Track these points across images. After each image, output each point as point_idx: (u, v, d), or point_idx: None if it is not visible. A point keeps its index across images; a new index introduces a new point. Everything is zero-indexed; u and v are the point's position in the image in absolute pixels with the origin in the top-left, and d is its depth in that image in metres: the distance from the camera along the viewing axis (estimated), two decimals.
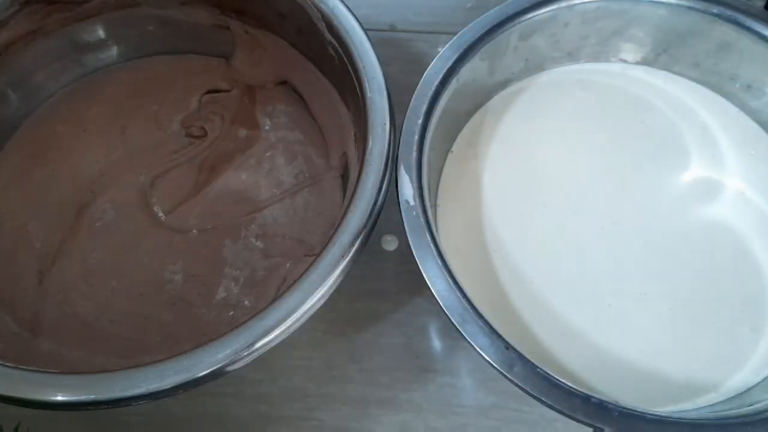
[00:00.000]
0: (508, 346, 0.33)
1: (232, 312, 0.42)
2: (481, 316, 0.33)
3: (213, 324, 0.42)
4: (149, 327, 0.42)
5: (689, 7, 0.43)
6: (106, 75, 0.51)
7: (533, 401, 0.32)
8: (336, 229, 0.35)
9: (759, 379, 0.37)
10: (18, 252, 0.44)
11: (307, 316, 0.34)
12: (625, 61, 0.47)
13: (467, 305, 0.34)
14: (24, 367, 0.33)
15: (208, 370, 0.32)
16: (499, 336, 0.33)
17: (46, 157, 0.48)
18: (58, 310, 0.42)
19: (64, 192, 0.46)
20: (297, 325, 0.33)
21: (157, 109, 0.49)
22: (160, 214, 0.45)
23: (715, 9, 0.42)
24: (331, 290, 0.34)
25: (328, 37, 0.43)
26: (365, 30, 0.41)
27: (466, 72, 0.42)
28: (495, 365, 0.32)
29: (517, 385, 0.32)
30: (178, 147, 0.48)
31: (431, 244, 0.35)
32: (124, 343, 0.41)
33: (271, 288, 0.42)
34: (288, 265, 0.43)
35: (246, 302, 0.42)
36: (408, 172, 0.37)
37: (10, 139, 0.48)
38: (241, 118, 0.49)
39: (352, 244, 0.35)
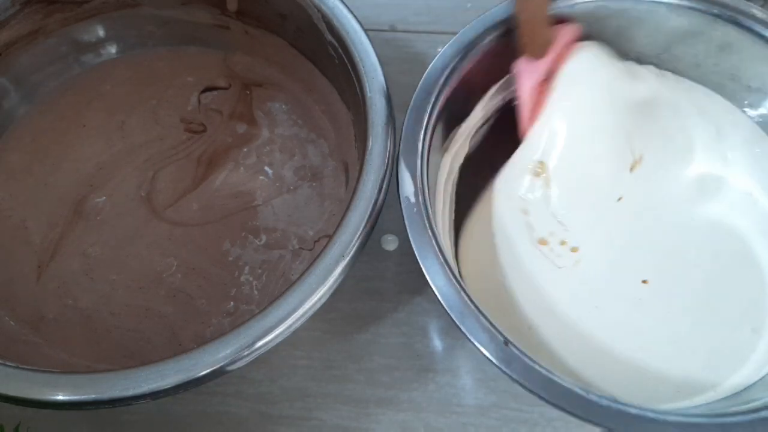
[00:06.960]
0: (507, 343, 0.33)
1: (231, 303, 0.42)
2: (480, 313, 0.33)
3: (213, 316, 0.42)
4: (150, 319, 0.42)
5: (689, 7, 0.43)
6: (105, 70, 0.51)
7: (533, 400, 0.32)
8: (336, 229, 0.36)
9: (758, 378, 0.37)
10: (17, 247, 0.44)
11: (307, 316, 0.34)
12: (625, 61, 0.47)
13: (467, 301, 0.34)
14: (24, 367, 0.33)
15: (209, 370, 0.32)
16: (499, 332, 0.33)
17: (45, 151, 0.48)
18: (58, 304, 0.42)
19: (63, 187, 0.46)
20: (297, 324, 0.34)
21: (156, 104, 0.50)
22: (160, 208, 0.46)
23: (716, 9, 0.42)
24: (331, 290, 0.35)
25: (329, 37, 0.43)
26: (365, 30, 0.41)
27: None
28: (494, 361, 0.32)
29: (516, 381, 0.32)
30: (177, 142, 0.48)
31: (432, 241, 0.35)
32: (125, 334, 0.41)
33: (271, 280, 0.43)
34: (287, 258, 0.43)
35: (245, 294, 0.43)
36: (408, 170, 0.38)
37: (9, 134, 0.48)
38: (239, 114, 0.49)
39: (352, 244, 0.35)
